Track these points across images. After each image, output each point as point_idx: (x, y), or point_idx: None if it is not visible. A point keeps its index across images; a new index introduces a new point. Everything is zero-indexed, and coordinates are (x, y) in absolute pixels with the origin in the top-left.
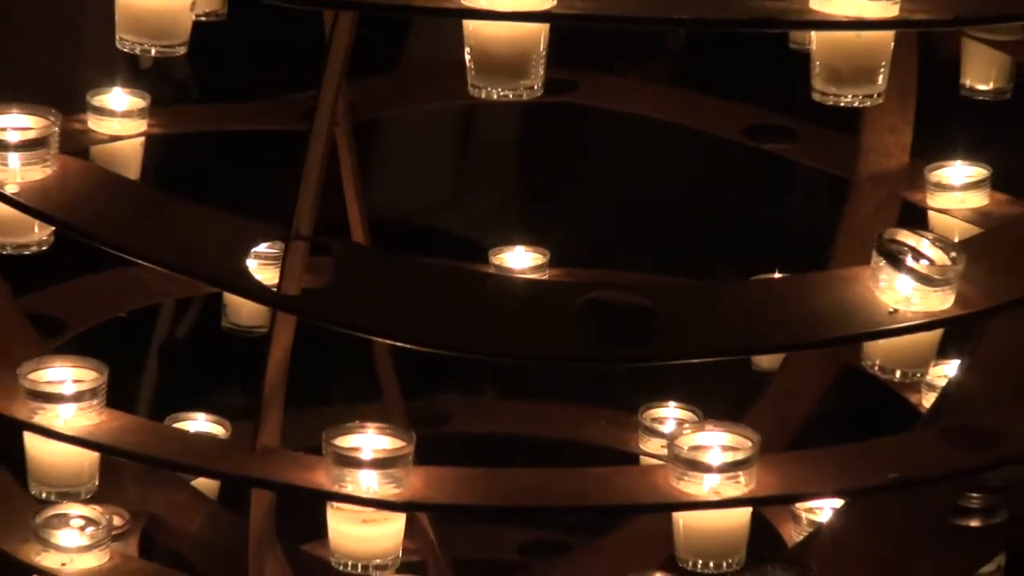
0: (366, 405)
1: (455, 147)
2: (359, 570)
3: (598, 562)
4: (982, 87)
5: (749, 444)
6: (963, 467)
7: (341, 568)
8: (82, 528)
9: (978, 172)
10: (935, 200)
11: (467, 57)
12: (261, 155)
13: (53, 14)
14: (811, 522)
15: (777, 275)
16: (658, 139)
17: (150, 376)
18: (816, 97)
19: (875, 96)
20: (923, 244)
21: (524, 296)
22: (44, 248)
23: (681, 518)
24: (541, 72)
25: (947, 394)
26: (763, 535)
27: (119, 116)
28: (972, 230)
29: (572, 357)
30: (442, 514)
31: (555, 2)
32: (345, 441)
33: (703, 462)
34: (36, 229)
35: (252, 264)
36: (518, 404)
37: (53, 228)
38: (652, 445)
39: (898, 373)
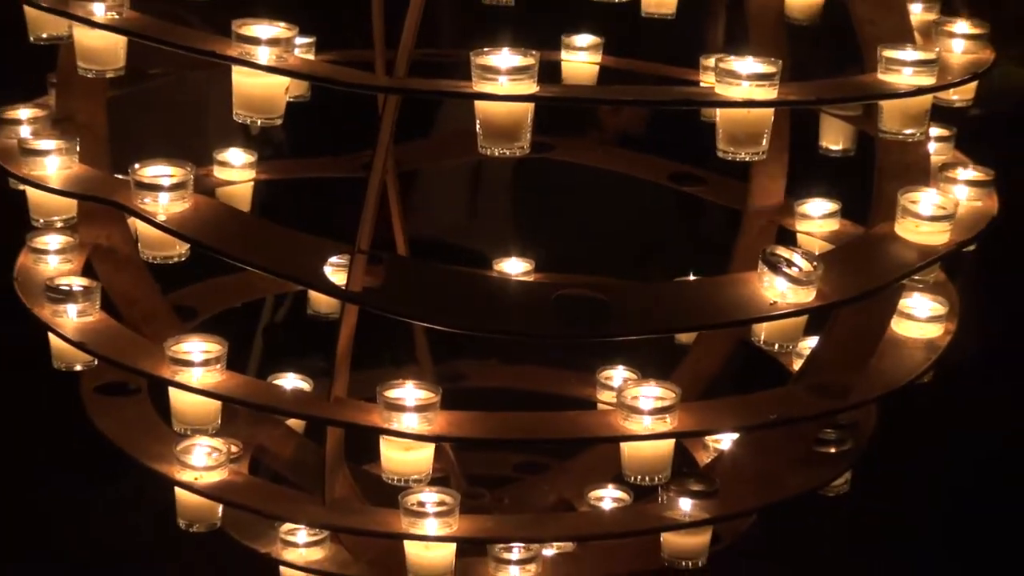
0: (406, 368)
1: (469, 188)
2: (402, 482)
3: (568, 477)
4: (834, 147)
5: (673, 395)
6: (821, 411)
7: (389, 481)
8: (209, 453)
9: (831, 206)
10: (801, 226)
11: (477, 126)
12: (334, 194)
13: (192, 98)
14: (716, 450)
15: (692, 278)
16: (611, 182)
17: (257, 348)
18: (720, 154)
19: (760, 153)
20: (794, 256)
21: (516, 292)
22: (183, 259)
23: (626, 447)
24: (528, 136)
25: (810, 360)
26: (683, 459)
27: (236, 167)
28: (827, 247)
29: (549, 335)
30: (460, 444)
31: (537, 88)
32: (392, 393)
33: (641, 407)
34: (177, 246)
35: (328, 270)
36: (514, 367)
37: (188, 245)
38: (606, 396)
39: (776, 346)
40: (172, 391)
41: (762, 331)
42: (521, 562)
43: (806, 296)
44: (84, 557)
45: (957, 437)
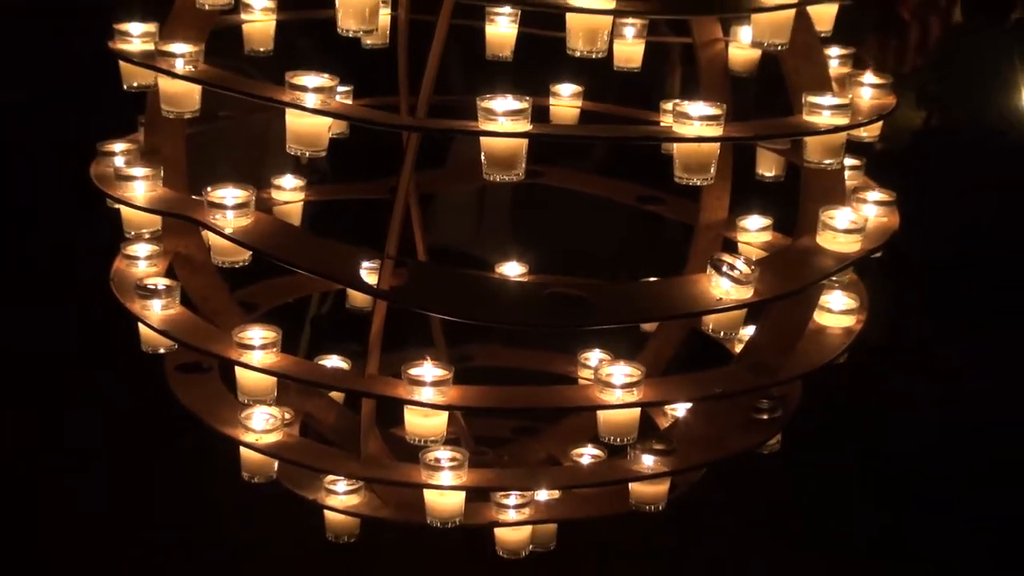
0: (425, 351)
1: (475, 207)
2: (422, 443)
3: (555, 439)
4: (768, 174)
5: (639, 373)
6: (757, 386)
7: (411, 442)
8: (267, 419)
9: (765, 221)
10: (742, 237)
11: (482, 157)
12: (368, 211)
13: (253, 135)
14: (673, 416)
15: (654, 279)
16: (590, 202)
17: (306, 335)
18: (676, 180)
19: (708, 179)
20: (736, 262)
21: (514, 290)
22: (245, 263)
23: (601, 414)
24: (523, 166)
25: (749, 345)
26: (647, 424)
27: (288, 190)
28: (762, 254)
29: (540, 324)
30: (468, 412)
31: (530, 127)
32: (414, 371)
33: (613, 383)
34: (241, 253)
35: (363, 272)
36: (512, 350)
37: (250, 252)
38: (585, 373)
39: (722, 333)
40: (237, 369)
41: (710, 322)
42: (517, 506)
43: (746, 293)
44: (169, 504)
45: (864, 405)
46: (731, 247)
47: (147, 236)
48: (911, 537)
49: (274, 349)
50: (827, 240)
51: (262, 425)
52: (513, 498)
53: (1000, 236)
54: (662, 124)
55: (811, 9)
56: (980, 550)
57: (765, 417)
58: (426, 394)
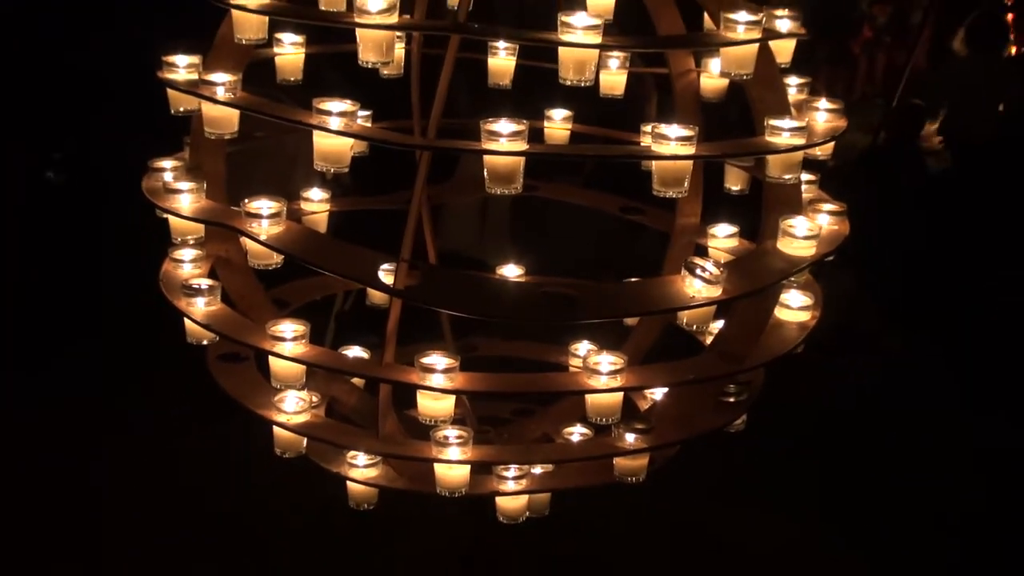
0: (435, 342)
1: (479, 216)
2: (432, 422)
3: (549, 420)
4: (735, 188)
5: (622, 361)
6: (725, 373)
7: (423, 422)
8: (297, 402)
9: (733, 229)
10: (712, 243)
11: (485, 173)
12: (385, 220)
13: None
14: (652, 399)
15: (635, 280)
16: (579, 212)
17: (331, 329)
18: (654, 192)
19: (682, 192)
20: (707, 264)
21: (513, 289)
22: (278, 266)
23: (589, 398)
24: (521, 180)
25: (718, 337)
26: (629, 406)
27: (315, 202)
28: (730, 258)
29: (535, 319)
30: (472, 396)
31: (527, 146)
32: (425, 359)
33: (600, 370)
34: (274, 257)
35: (381, 273)
36: (511, 342)
37: (282, 256)
38: (575, 362)
39: (694, 327)
40: (271, 358)
41: (684, 317)
42: (516, 478)
43: (715, 292)
44: (210, 475)
45: (819, 391)
46: (702, 252)
47: (191, 242)
48: (854, 499)
49: (303, 341)
50: (786, 245)
51: (293, 407)
52: (512, 471)
53: (939, 240)
54: (642, 144)
55: (772, 44)
56: (917, 510)
57: (732, 400)
58: (436, 380)
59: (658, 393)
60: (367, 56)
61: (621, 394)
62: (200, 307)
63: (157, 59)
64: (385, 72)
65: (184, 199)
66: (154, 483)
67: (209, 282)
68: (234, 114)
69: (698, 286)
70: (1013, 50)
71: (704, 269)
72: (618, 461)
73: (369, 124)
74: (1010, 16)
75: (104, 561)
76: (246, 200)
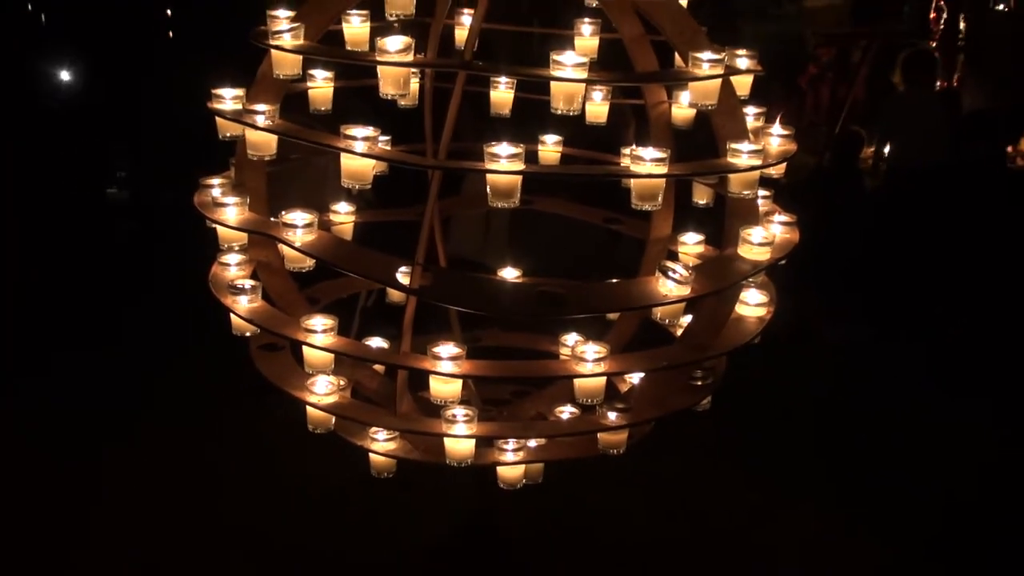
0: (445, 334)
1: (483, 226)
2: (442, 403)
3: (543, 400)
4: (701, 202)
5: (605, 350)
6: (692, 360)
7: (435, 402)
8: (327, 385)
9: (699, 237)
10: (681, 249)
11: (488, 189)
12: (402, 230)
13: (316, 172)
14: (630, 383)
15: (616, 280)
16: (569, 222)
17: (356, 322)
18: (633, 206)
19: (657, 205)
20: (678, 267)
21: (511, 289)
22: (310, 269)
23: (577, 382)
24: (518, 195)
25: (687, 330)
26: (611, 389)
27: (342, 214)
28: (697, 262)
29: (531, 314)
30: (477, 380)
31: (523, 166)
32: (436, 348)
33: (586, 358)
34: (308, 261)
35: (399, 275)
36: (510, 334)
37: (314, 260)
38: (565, 351)
39: (667, 321)
40: (304, 348)
41: (659, 312)
42: (514, 450)
43: (684, 291)
44: (253, 446)
45: (772, 378)
46: (673, 257)
47: (236, 248)
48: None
49: (332, 333)
50: (745, 251)
51: (323, 390)
52: (511, 444)
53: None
54: (622, 164)
55: (733, 79)
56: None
57: (699, 383)
58: (446, 366)
59: (636, 378)
60: (387, 89)
61: (604, 378)
62: (244, 304)
63: (207, 92)
64: (402, 103)
65: (230, 211)
66: (208, 451)
67: (251, 282)
68: (273, 138)
69: (670, 286)
70: (943, 84)
71: (675, 271)
72: (602, 436)
73: (388, 147)
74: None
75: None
76: (283, 212)
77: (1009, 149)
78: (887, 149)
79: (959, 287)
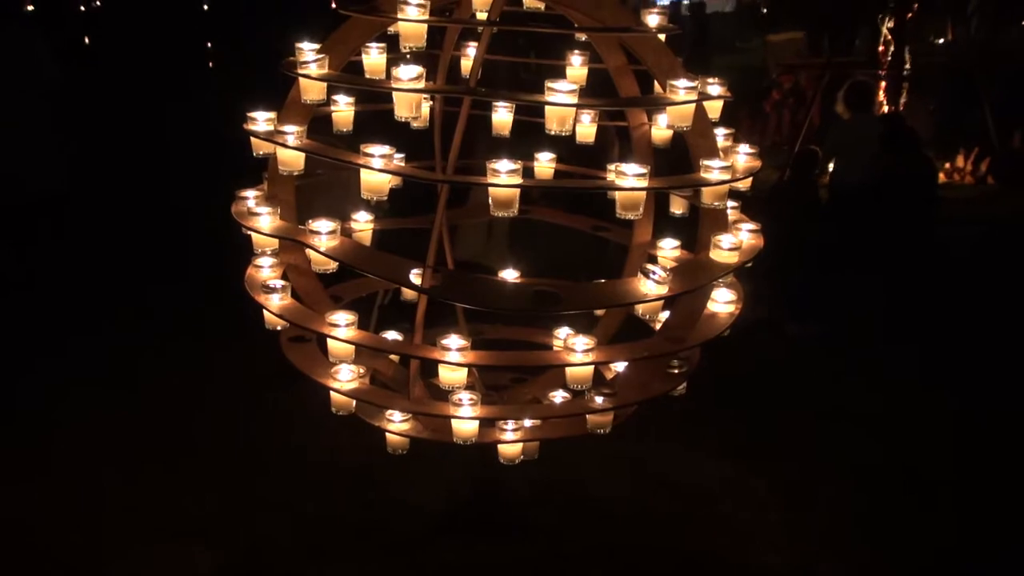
0: (452, 328)
1: (485, 233)
2: (451, 389)
3: (538, 386)
4: (678, 212)
5: (592, 342)
6: (670, 351)
7: (443, 387)
8: (348, 373)
9: (676, 243)
10: (660, 253)
11: (490, 200)
12: (415, 236)
13: (339, 186)
14: (615, 371)
15: (603, 280)
16: (561, 230)
17: (374, 317)
18: (617, 215)
19: (638, 214)
20: (656, 269)
21: (511, 288)
22: (334, 270)
23: (568, 370)
24: (517, 205)
25: (665, 324)
26: (598, 376)
27: (362, 222)
28: (673, 264)
29: (528, 310)
30: (480, 368)
31: (521, 180)
32: (445, 340)
33: (575, 348)
34: (331, 263)
35: (412, 276)
36: (509, 328)
37: (337, 263)
38: (557, 343)
39: (648, 316)
40: (329, 340)
41: (640, 308)
42: (513, 430)
43: (663, 290)
44: (286, 423)
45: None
46: (653, 260)
47: (269, 252)
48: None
49: (353, 327)
50: (717, 255)
51: (346, 377)
52: (510, 424)
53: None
54: (608, 179)
55: (705, 104)
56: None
57: (676, 371)
58: (453, 356)
59: (620, 366)
60: (401, 112)
61: (592, 367)
62: (275, 301)
63: (243, 115)
64: (415, 125)
65: (263, 220)
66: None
67: (282, 282)
68: (301, 156)
69: (650, 286)
70: (891, 108)
71: (655, 273)
72: (590, 417)
73: (403, 164)
74: (883, 84)
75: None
76: (310, 221)
77: (947, 165)
78: (831, 167)
79: (898, 293)
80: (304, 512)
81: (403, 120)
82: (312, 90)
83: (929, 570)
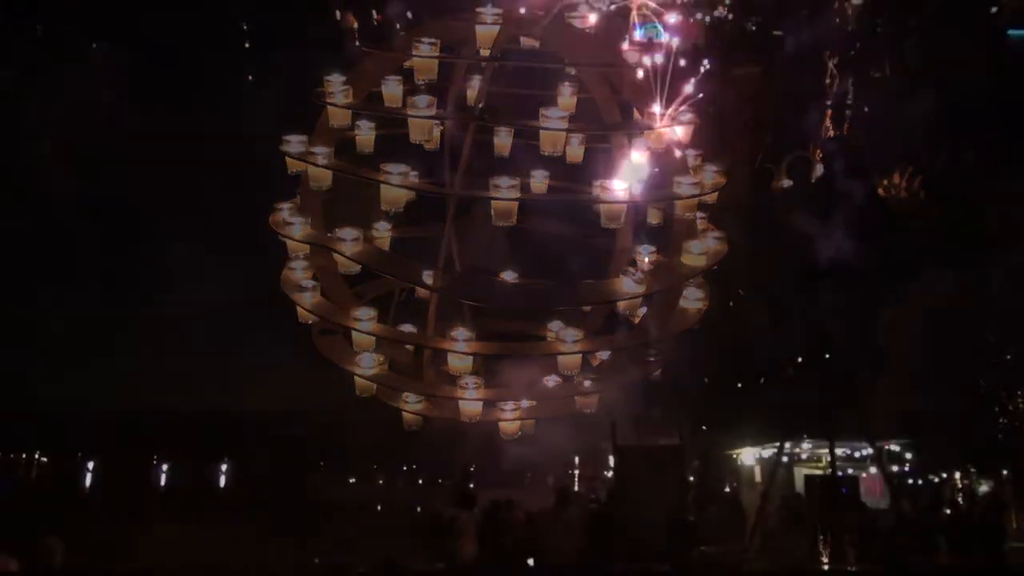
0: (460, 324)
1: (489, 240)
2: (458, 374)
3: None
4: (654, 222)
5: (581, 334)
6: (648, 341)
7: (452, 373)
8: (370, 361)
9: (653, 248)
10: (639, 258)
11: (492, 212)
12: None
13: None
14: (601, 359)
15: (590, 281)
16: (556, 237)
17: (392, 312)
18: (603, 225)
19: (621, 224)
20: (636, 271)
21: (511, 288)
22: (357, 272)
23: (560, 358)
24: (515, 216)
25: (643, 318)
26: (586, 363)
27: (381, 231)
28: (650, 267)
29: (525, 306)
30: (484, 356)
31: (519, 195)
32: (454, 332)
33: (566, 339)
34: (355, 266)
35: (425, 277)
36: (508, 321)
37: (360, 266)
38: (551, 335)
39: (628, 312)
40: (353, 332)
41: (622, 305)
42: (512, 409)
43: (642, 289)
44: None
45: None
46: (633, 263)
47: (301, 256)
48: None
49: (374, 321)
50: (688, 259)
51: (368, 364)
52: (510, 405)
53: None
54: (594, 194)
55: (678, 127)
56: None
57: (652, 359)
58: (460, 346)
59: (605, 355)
60: (415, 136)
61: (581, 355)
62: (307, 299)
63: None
64: (427, 147)
65: (296, 228)
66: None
67: (313, 282)
68: (329, 173)
69: (631, 285)
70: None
71: (634, 274)
72: (579, 399)
73: (417, 180)
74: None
75: None
76: (336, 229)
77: (885, 182)
78: None
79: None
80: (330, 473)
81: (417, 143)
82: (338, 116)
83: None
